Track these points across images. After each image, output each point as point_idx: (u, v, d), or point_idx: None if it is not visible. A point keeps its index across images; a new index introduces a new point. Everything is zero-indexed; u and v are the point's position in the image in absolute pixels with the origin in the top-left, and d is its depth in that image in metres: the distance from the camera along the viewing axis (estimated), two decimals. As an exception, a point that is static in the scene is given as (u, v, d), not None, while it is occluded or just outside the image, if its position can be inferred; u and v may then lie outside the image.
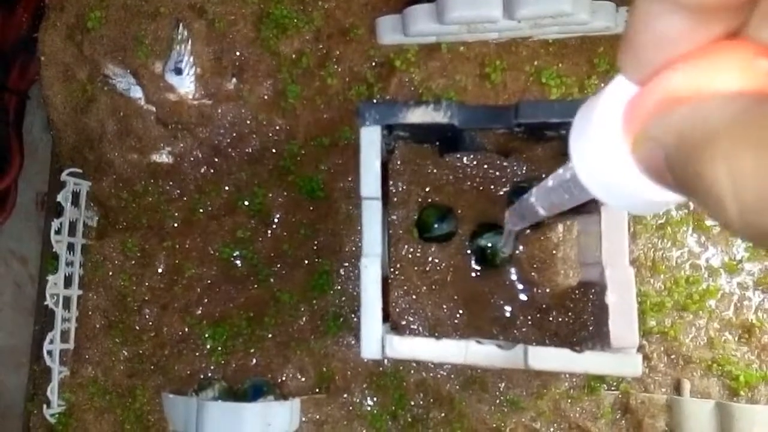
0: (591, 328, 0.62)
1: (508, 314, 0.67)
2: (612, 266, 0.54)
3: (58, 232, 0.69)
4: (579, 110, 0.23)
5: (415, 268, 0.68)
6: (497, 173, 0.69)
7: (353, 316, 0.70)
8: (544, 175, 0.68)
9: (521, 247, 0.68)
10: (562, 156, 0.67)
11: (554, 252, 0.67)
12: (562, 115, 0.56)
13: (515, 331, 0.66)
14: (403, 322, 0.68)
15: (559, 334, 0.64)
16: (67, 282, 0.72)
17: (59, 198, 0.70)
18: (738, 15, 0.17)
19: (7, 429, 0.77)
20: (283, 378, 0.70)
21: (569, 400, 0.65)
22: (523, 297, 0.67)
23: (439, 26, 0.70)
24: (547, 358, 0.54)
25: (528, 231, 0.67)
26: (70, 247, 0.72)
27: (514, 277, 0.68)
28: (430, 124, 0.59)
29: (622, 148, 0.20)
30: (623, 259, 0.54)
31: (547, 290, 0.66)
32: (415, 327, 0.68)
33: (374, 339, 0.56)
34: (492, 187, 0.69)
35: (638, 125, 0.19)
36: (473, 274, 0.69)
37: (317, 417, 0.70)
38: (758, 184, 0.15)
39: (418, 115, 0.59)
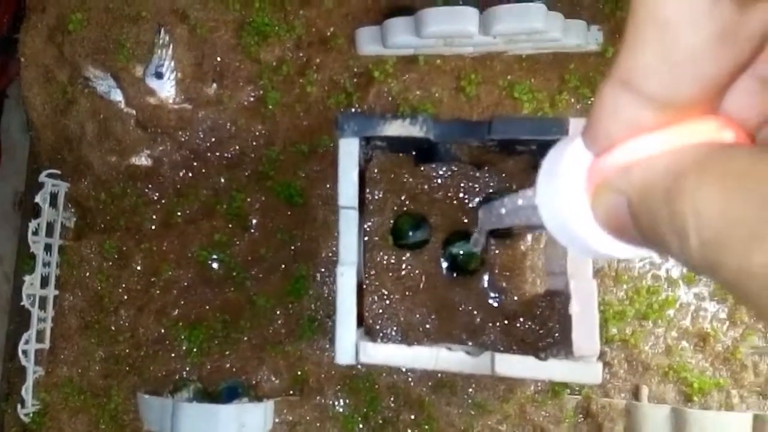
0: (556, 335, 0.65)
1: (477, 320, 0.69)
2: (576, 278, 0.56)
3: (35, 233, 0.70)
4: (548, 154, 0.25)
5: (390, 274, 0.70)
6: (470, 184, 0.71)
7: (328, 320, 0.72)
8: (514, 186, 0.71)
9: (493, 250, 0.70)
10: (532, 169, 0.69)
11: (523, 260, 0.69)
12: (533, 132, 0.58)
13: (484, 337, 0.68)
14: (377, 327, 0.70)
15: (525, 340, 0.67)
16: (44, 282, 0.73)
17: (37, 199, 0.70)
18: (705, 107, 0.17)
19: (-21, 428, 0.77)
20: (258, 380, 0.72)
21: (534, 404, 0.68)
22: (492, 304, 0.70)
23: (417, 39, 0.72)
24: (513, 365, 0.56)
25: (495, 240, 0.70)
26: (47, 248, 0.73)
27: (484, 284, 0.70)
28: (406, 136, 0.61)
29: (583, 202, 0.21)
30: (587, 271, 0.57)
31: (515, 298, 0.69)
32: (388, 331, 0.70)
33: (349, 345, 0.58)
34: (465, 197, 0.72)
35: (599, 181, 0.20)
36: (445, 282, 0.71)
37: (290, 418, 0.71)
38: (718, 220, 0.15)
39: (395, 128, 0.61)
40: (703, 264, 0.16)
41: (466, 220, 0.71)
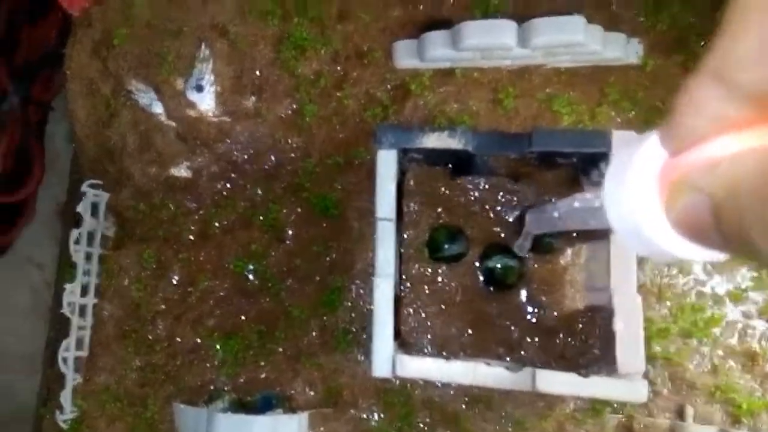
0: (597, 352, 0.63)
1: (515, 335, 0.68)
2: (620, 293, 0.55)
3: (77, 242, 0.71)
4: (615, 155, 0.24)
5: (425, 287, 0.70)
6: (508, 197, 0.71)
7: (362, 332, 0.71)
8: (553, 200, 0.70)
9: (532, 265, 0.69)
10: (571, 182, 0.68)
11: (562, 275, 0.68)
12: (575, 144, 0.58)
13: (522, 352, 0.67)
14: (412, 340, 0.69)
15: (565, 356, 0.65)
16: (84, 291, 0.74)
17: (79, 209, 0.72)
18: None
19: (18, 433, 0.79)
20: (292, 391, 0.72)
21: (573, 422, 0.66)
22: (530, 319, 0.68)
23: (455, 52, 0.72)
24: (554, 382, 0.55)
25: (534, 254, 0.69)
26: (88, 257, 0.74)
27: (522, 299, 0.69)
28: (444, 149, 0.61)
29: (655, 202, 0.21)
30: (631, 286, 0.56)
31: (555, 313, 0.67)
32: (424, 345, 0.69)
33: (385, 358, 0.57)
34: (502, 210, 0.71)
35: (676, 179, 0.20)
36: (482, 295, 0.70)
37: (324, 430, 0.71)
38: None
39: (434, 140, 0.61)
40: None
41: (503, 234, 0.70)
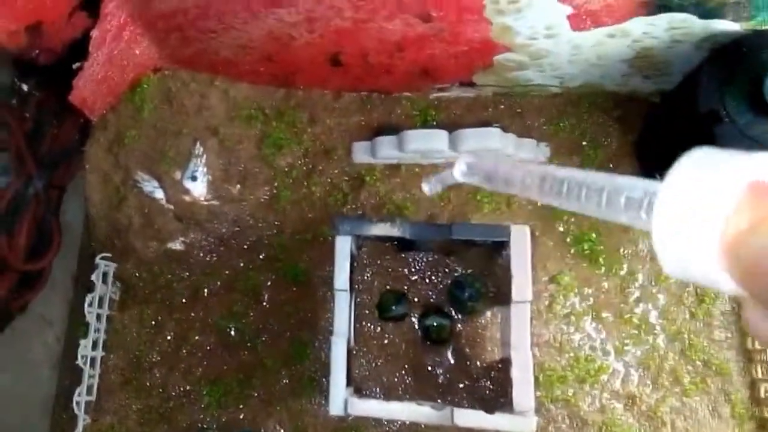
0: (508, 395, 0.80)
1: (446, 382, 0.85)
2: (516, 348, 0.72)
3: (90, 304, 0.87)
4: (666, 198, 0.21)
5: (375, 342, 0.86)
6: (441, 268, 0.88)
7: (324, 380, 0.87)
8: (472, 271, 0.88)
9: (459, 323, 0.86)
10: (489, 256, 0.86)
11: (483, 332, 0.85)
12: (484, 235, 0.76)
13: (451, 395, 0.84)
14: (364, 386, 0.86)
15: (484, 398, 0.82)
16: (94, 345, 0.89)
17: (93, 277, 0.88)
18: None
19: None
20: (266, 430, 0.87)
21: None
22: (458, 367, 0.85)
23: (400, 153, 0.91)
24: (468, 417, 0.72)
25: (461, 315, 0.86)
26: (98, 317, 0.89)
27: (452, 351, 0.86)
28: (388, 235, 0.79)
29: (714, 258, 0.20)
30: (525, 341, 0.73)
31: (477, 363, 0.84)
32: (374, 389, 0.86)
33: (340, 400, 0.73)
34: (437, 279, 0.89)
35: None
36: (421, 348, 0.87)
37: (292, 463, 0.86)
38: None
39: (380, 229, 0.78)
40: None
41: (435, 298, 0.87)
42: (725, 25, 0.71)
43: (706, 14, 0.70)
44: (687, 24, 0.71)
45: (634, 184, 0.25)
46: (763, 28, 0.71)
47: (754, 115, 0.71)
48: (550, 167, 0.34)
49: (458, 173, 0.47)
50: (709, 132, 0.71)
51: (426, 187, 0.60)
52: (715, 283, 0.20)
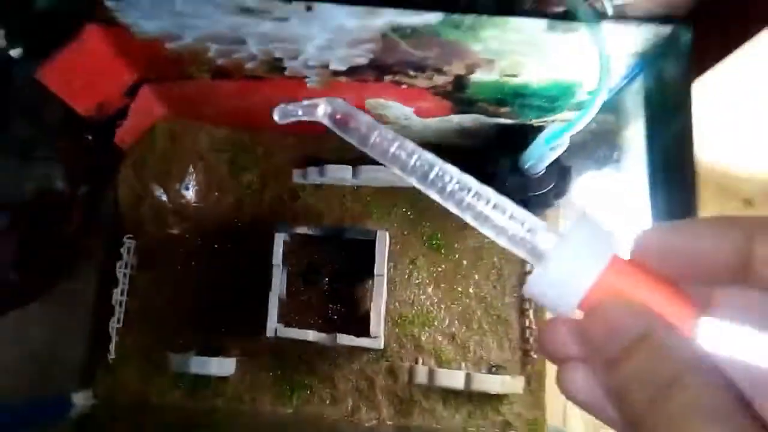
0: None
1: (339, 321, 1.38)
2: (375, 301, 1.25)
3: (119, 267, 1.37)
4: (576, 232, 0.26)
5: (298, 296, 1.38)
6: (343, 253, 1.41)
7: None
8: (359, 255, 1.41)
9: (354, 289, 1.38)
10: (370, 248, 1.38)
11: (363, 294, 1.38)
12: (362, 235, 1.29)
13: (338, 327, 1.37)
14: (288, 320, 1.38)
15: (357, 330, 1.36)
16: (121, 293, 1.39)
17: (121, 250, 1.38)
18: None
19: None
20: (225, 353, 1.39)
21: (369, 365, 1.36)
22: (347, 313, 1.38)
23: (322, 178, 1.42)
24: (344, 339, 1.25)
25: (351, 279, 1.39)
26: (123, 275, 1.40)
27: (344, 303, 1.39)
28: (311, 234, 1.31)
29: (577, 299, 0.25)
30: (380, 300, 1.26)
31: (357, 310, 1.37)
32: (294, 322, 1.38)
33: (272, 327, 1.26)
34: (339, 260, 1.41)
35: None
36: (324, 300, 1.40)
37: (245, 370, 1.38)
38: None
39: (301, 229, 1.30)
40: None
41: (339, 269, 1.40)
42: (503, 120, 1.24)
43: (490, 115, 1.23)
44: (481, 118, 1.25)
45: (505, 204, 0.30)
46: (530, 122, 1.25)
47: (515, 174, 1.24)
48: (425, 151, 0.34)
49: (321, 113, 0.43)
50: (494, 175, 1.25)
51: (276, 116, 0.51)
52: (559, 314, 0.25)
